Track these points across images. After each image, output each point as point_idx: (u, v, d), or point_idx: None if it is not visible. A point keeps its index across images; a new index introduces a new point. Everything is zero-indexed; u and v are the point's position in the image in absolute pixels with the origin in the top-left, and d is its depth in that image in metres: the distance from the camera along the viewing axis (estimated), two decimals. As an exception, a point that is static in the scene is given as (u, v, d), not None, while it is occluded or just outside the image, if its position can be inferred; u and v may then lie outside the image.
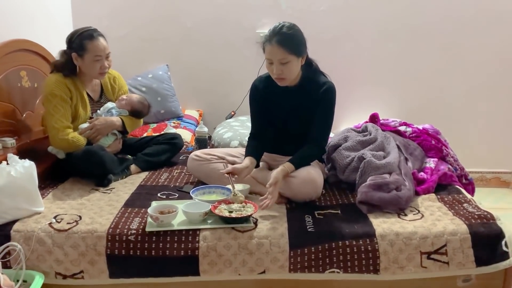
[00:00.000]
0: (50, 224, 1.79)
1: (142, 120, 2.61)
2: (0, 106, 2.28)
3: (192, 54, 3.43)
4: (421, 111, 3.31)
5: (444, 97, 3.39)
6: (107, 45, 2.31)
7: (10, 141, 2.19)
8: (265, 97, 2.19)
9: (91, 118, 2.39)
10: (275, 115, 2.19)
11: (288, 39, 1.98)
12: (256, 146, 2.19)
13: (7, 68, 2.34)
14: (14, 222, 1.80)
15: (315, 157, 2.16)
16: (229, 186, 1.99)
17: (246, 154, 2.15)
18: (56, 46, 2.54)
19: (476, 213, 1.84)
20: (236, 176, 2.04)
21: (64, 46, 2.35)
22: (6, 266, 1.70)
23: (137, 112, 2.51)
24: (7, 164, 1.85)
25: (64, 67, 2.27)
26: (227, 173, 2.02)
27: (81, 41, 2.25)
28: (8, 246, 1.70)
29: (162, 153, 2.51)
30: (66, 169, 2.28)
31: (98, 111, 2.42)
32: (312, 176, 2.00)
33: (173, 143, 2.57)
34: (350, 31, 3.34)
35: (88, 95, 2.39)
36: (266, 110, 2.20)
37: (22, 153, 2.01)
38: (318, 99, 2.09)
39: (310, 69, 2.15)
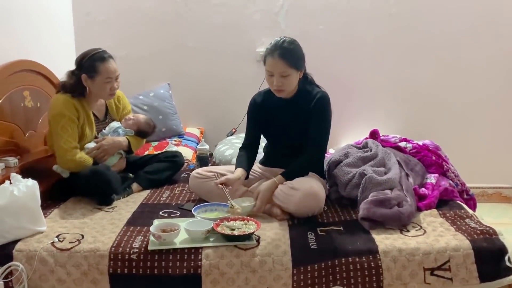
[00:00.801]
0: (52, 243, 1.79)
1: (145, 140, 2.62)
2: (3, 126, 2.30)
3: (193, 73, 3.47)
4: (421, 127, 3.33)
5: (444, 113, 3.41)
6: (117, 67, 2.33)
7: (13, 161, 2.20)
8: (262, 110, 2.26)
9: (96, 137, 2.41)
10: (272, 128, 2.24)
11: (289, 53, 2.06)
12: (246, 157, 2.25)
13: (11, 88, 2.37)
14: (16, 241, 1.80)
15: (308, 168, 2.17)
16: (229, 202, 2.00)
17: (237, 166, 2.20)
18: (58, 66, 2.58)
19: (479, 229, 1.84)
20: (230, 187, 2.07)
21: (67, 66, 2.37)
22: (8, 286, 1.69)
23: (143, 132, 2.53)
24: (10, 183, 1.86)
25: (73, 89, 2.27)
26: (220, 184, 2.05)
27: (92, 63, 2.26)
28: (10, 266, 1.70)
29: (163, 171, 2.52)
30: (69, 188, 2.29)
31: (103, 130, 2.44)
32: (314, 189, 2.01)
33: (174, 161, 2.58)
34: (349, 48, 3.38)
35: (93, 114, 2.41)
36: (262, 123, 2.25)
37: (25, 172, 2.02)
38: (311, 111, 2.14)
39: (306, 82, 2.22)
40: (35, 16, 2.83)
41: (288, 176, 2.10)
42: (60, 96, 2.27)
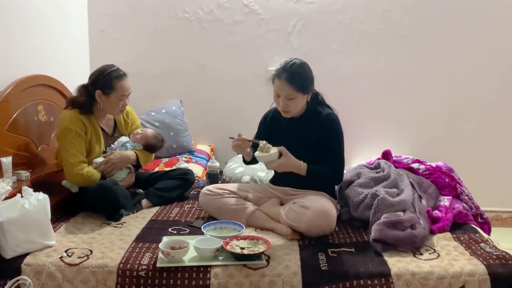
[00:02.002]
0: (61, 258, 1.78)
1: (153, 154, 2.63)
2: (16, 140, 2.32)
3: (205, 90, 3.49)
4: (434, 148, 3.29)
5: (457, 134, 3.38)
6: (130, 84, 2.37)
7: (25, 174, 2.22)
8: (270, 126, 2.29)
9: (105, 152, 2.41)
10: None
11: (296, 77, 2.07)
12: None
13: (25, 102, 2.40)
14: (25, 255, 1.79)
15: (330, 177, 2.16)
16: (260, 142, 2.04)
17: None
18: (73, 81, 2.61)
19: (494, 253, 1.80)
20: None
21: (81, 81, 2.40)
22: (15, 300, 1.68)
23: (151, 147, 2.53)
24: (21, 196, 1.86)
25: (83, 105, 2.30)
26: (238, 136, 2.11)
27: (109, 80, 2.30)
28: (18, 280, 1.69)
29: (174, 189, 2.51)
30: (78, 203, 2.29)
31: (112, 145, 2.45)
32: (326, 208, 1.99)
33: (185, 179, 2.57)
34: (361, 69, 3.39)
35: (102, 129, 2.43)
36: (270, 137, 2.22)
37: (36, 186, 2.03)
38: (322, 131, 2.14)
39: (316, 101, 2.22)
40: (53, 32, 2.88)
41: (311, 170, 2.08)
42: (68, 112, 2.30)
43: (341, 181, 2.24)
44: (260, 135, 2.32)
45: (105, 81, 2.30)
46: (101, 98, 2.31)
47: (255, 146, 2.16)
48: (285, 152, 2.06)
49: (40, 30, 2.73)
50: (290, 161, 2.07)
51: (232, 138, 2.16)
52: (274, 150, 2.04)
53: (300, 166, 2.09)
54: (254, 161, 2.28)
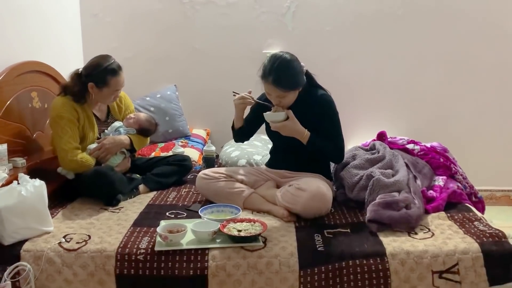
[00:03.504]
0: (59, 243, 1.80)
1: (149, 138, 2.63)
2: (11, 127, 2.31)
3: (199, 74, 3.47)
4: (428, 129, 3.31)
5: (452, 115, 3.39)
6: (124, 78, 2.35)
7: (21, 161, 2.21)
8: (264, 108, 2.24)
9: (98, 138, 2.41)
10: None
11: (283, 79, 2.05)
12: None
13: (19, 89, 2.38)
14: (23, 241, 1.80)
15: (331, 152, 2.16)
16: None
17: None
18: (65, 67, 2.59)
19: (488, 232, 1.82)
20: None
21: (74, 67, 2.39)
22: (15, 286, 1.69)
23: (144, 131, 2.53)
24: (18, 183, 1.87)
25: (75, 94, 2.29)
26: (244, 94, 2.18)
27: (104, 75, 2.27)
28: (17, 266, 1.70)
29: (171, 175, 2.52)
30: (75, 189, 2.29)
31: (105, 130, 2.45)
32: (321, 190, 2.01)
33: (183, 165, 2.58)
34: (356, 50, 3.37)
35: (95, 115, 2.42)
36: (260, 120, 2.24)
37: (32, 173, 2.03)
38: (317, 112, 2.14)
39: (309, 83, 2.21)
40: (45, 17, 2.84)
41: (313, 139, 2.09)
42: (60, 99, 2.29)
43: (342, 159, 2.23)
44: (251, 118, 2.33)
45: (99, 75, 2.28)
46: (94, 90, 2.30)
47: (250, 118, 2.17)
48: (292, 116, 2.08)
49: (32, 15, 2.70)
50: (295, 125, 2.08)
51: (236, 94, 2.16)
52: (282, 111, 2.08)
53: (303, 133, 2.09)
54: (241, 132, 2.31)
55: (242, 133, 2.33)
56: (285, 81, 2.05)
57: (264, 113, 2.11)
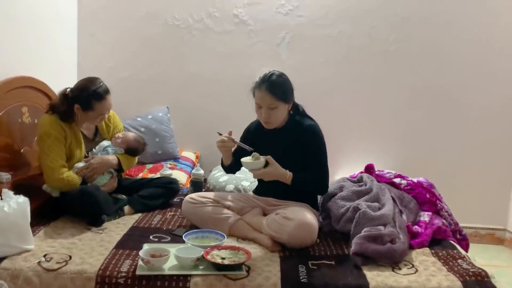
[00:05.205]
0: (39, 263, 1.76)
1: (137, 158, 2.62)
2: (-2, 141, 2.29)
3: (192, 98, 3.49)
4: (416, 164, 3.34)
5: (438, 152, 3.43)
6: (111, 102, 2.35)
7: (6, 176, 2.18)
8: (253, 137, 2.30)
9: (86, 157, 2.40)
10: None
11: (277, 86, 2.11)
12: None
13: (9, 104, 2.38)
14: (2, 259, 1.77)
15: (315, 186, 2.18)
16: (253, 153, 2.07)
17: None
18: (59, 84, 2.60)
19: (471, 270, 1.83)
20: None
21: (68, 84, 2.40)
22: (-11, 305, 1.65)
23: (132, 150, 2.52)
24: (1, 199, 1.84)
25: (62, 115, 2.29)
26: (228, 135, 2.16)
27: (89, 99, 2.28)
28: (-6, 284, 1.66)
29: (158, 197, 2.50)
30: (59, 207, 2.26)
31: (93, 149, 2.43)
32: (308, 220, 2.00)
33: (169, 188, 2.57)
34: (347, 83, 3.43)
35: (82, 133, 2.41)
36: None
37: (17, 188, 2.00)
38: (304, 142, 2.17)
39: (297, 113, 2.26)
40: (41, 34, 2.86)
41: (297, 178, 2.10)
42: (47, 117, 2.29)
43: (326, 191, 2.25)
44: (239, 153, 2.30)
45: (85, 99, 2.28)
46: (79, 112, 2.31)
47: (237, 154, 2.17)
48: (272, 161, 2.08)
49: (29, 31, 2.71)
50: (276, 170, 2.09)
51: (221, 134, 2.17)
52: (261, 158, 2.06)
53: (286, 175, 2.11)
54: (231, 168, 2.31)
55: (232, 168, 2.34)
56: (279, 88, 2.11)
57: (242, 161, 2.09)
